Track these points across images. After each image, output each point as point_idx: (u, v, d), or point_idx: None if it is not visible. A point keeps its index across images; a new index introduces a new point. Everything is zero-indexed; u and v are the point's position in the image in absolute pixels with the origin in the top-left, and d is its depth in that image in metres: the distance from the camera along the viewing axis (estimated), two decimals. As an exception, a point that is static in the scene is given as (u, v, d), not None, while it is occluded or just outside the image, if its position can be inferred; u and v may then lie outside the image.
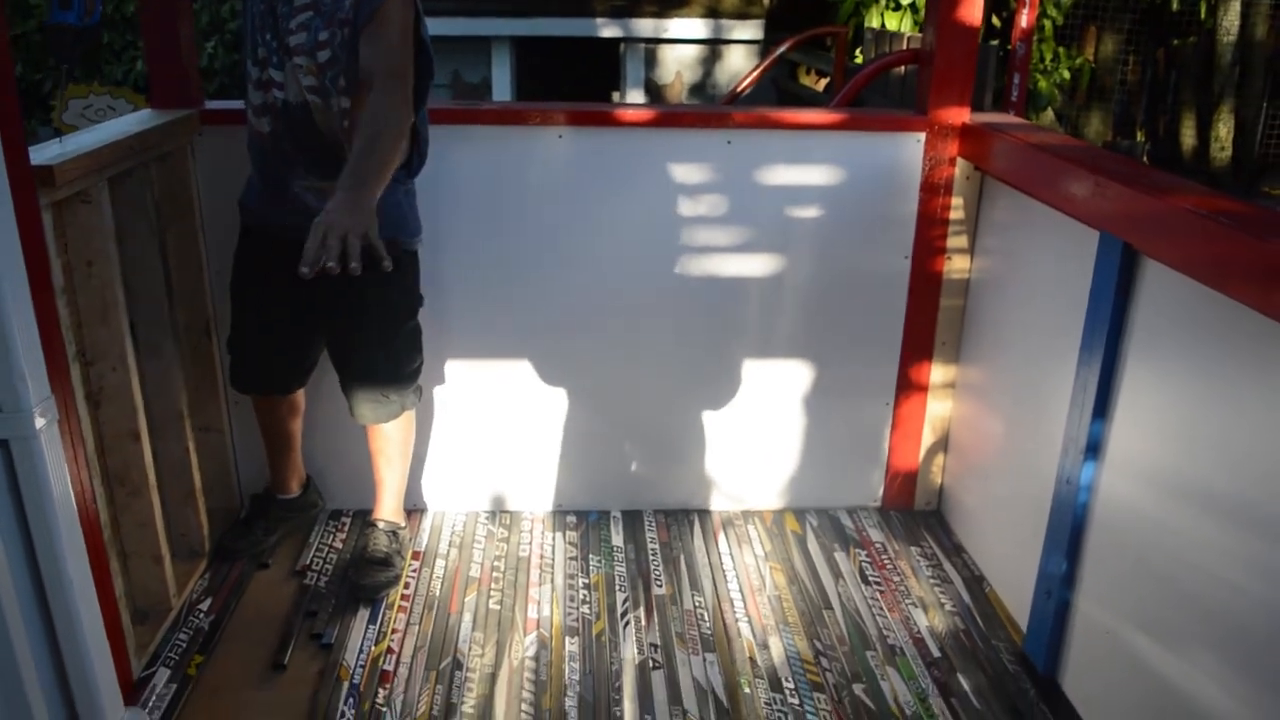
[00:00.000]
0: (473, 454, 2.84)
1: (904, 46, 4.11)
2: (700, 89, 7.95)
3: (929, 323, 2.73)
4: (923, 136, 2.59)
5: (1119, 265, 1.86)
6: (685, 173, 2.60)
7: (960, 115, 2.59)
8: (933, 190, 2.63)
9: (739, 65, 7.85)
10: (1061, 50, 6.41)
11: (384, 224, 2.17)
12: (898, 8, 5.47)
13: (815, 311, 2.73)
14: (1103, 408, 1.96)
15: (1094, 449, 1.99)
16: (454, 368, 2.75)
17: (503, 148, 2.55)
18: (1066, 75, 6.31)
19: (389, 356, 2.34)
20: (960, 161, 2.60)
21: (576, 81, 8.02)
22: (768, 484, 2.92)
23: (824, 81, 6.96)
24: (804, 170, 2.63)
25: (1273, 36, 8.11)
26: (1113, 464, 1.96)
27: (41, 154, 1.82)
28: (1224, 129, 7.81)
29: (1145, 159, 8.15)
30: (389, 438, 2.43)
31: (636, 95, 7.85)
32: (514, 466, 2.86)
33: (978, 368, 2.68)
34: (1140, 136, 8.56)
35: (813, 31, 5.46)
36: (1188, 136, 8.16)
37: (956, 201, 2.63)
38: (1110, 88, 7.20)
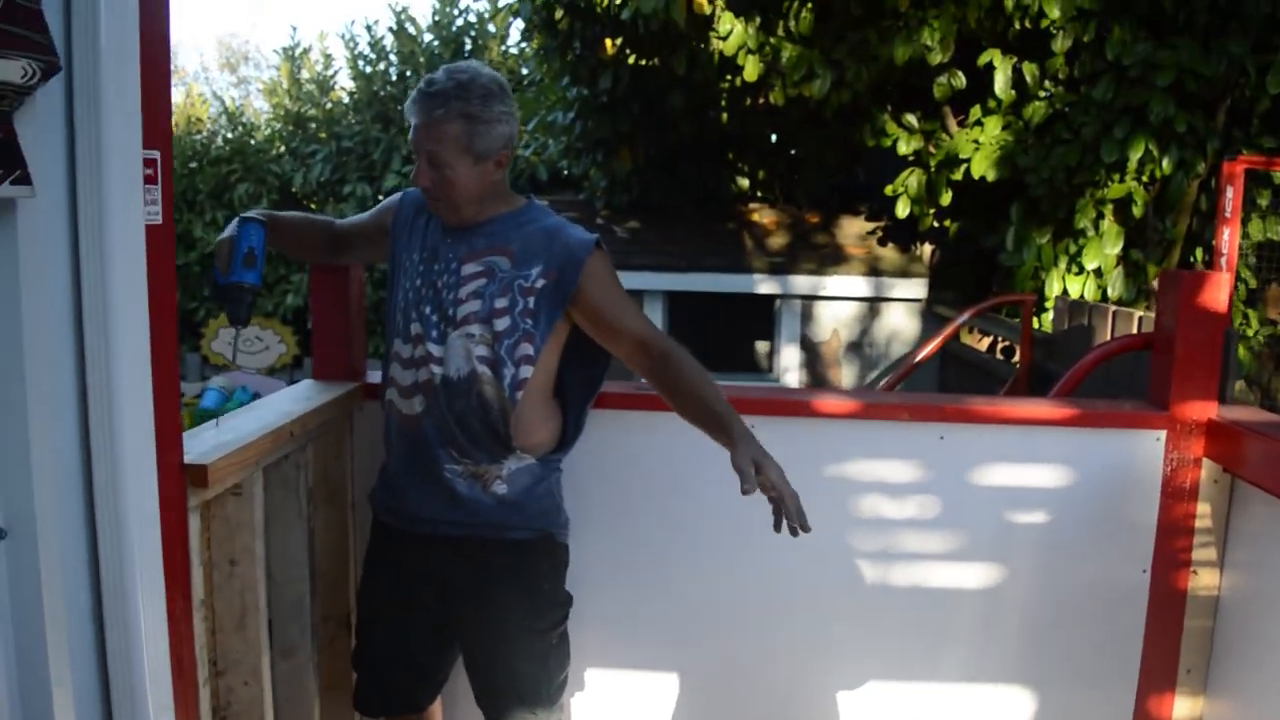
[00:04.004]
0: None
1: (1134, 328, 3.88)
2: (857, 347, 7.87)
3: (1172, 646, 2.44)
4: (1163, 434, 2.40)
5: None
6: (890, 470, 2.43)
7: (1206, 410, 2.38)
8: (1175, 495, 2.40)
9: (898, 323, 7.78)
10: (1251, 313, 6.09)
11: (534, 514, 2.07)
12: (1080, 271, 5.29)
13: (1038, 630, 2.49)
14: None
15: None
16: (603, 679, 2.53)
17: (679, 434, 2.38)
18: (1261, 340, 5.96)
19: (538, 667, 2.10)
20: (1206, 463, 2.39)
21: (729, 335, 8.05)
22: (980, 833, 2.56)
23: (986, 340, 6.76)
24: (1026, 470, 2.44)
25: None
26: None
27: (196, 445, 1.68)
28: None
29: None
30: None
31: (791, 351, 7.83)
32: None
33: (1231, 700, 2.37)
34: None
35: (998, 300, 5.30)
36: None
37: (1203, 509, 2.41)
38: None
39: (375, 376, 2.49)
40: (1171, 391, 2.39)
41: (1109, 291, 5.31)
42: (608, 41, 6.32)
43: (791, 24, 5.54)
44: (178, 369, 1.49)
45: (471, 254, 1.97)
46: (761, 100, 6.69)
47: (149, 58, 1.34)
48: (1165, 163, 5.00)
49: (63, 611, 1.25)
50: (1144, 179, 5.15)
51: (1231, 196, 4.79)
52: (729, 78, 6.52)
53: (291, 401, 2.16)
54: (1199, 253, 5.68)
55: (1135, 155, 4.93)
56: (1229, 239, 4.82)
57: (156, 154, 1.39)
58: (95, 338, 1.26)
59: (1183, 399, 2.38)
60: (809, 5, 5.55)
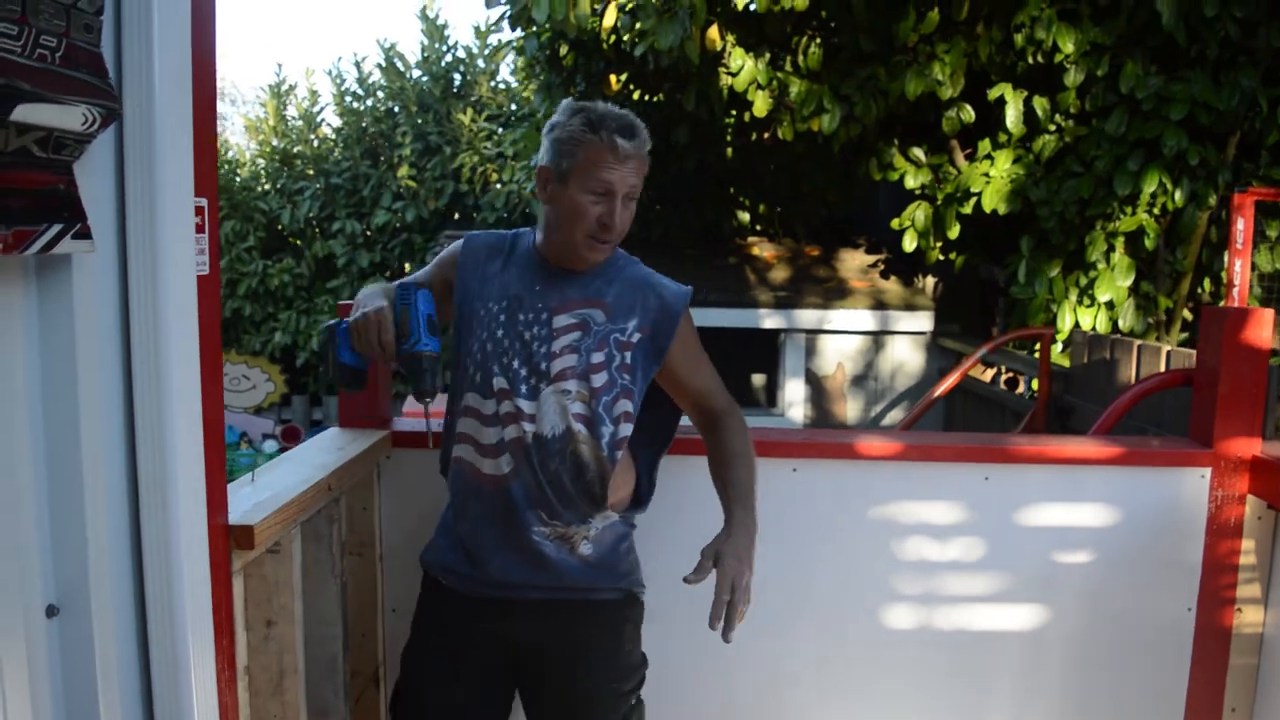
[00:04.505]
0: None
1: (1162, 363, 3.85)
2: (862, 380, 7.83)
3: (1216, 685, 2.43)
4: (1208, 472, 2.38)
5: None
6: (934, 511, 2.38)
7: (1251, 447, 2.37)
8: (1220, 532, 2.38)
9: (904, 356, 7.74)
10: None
11: (620, 573, 1.97)
12: (1091, 304, 5.26)
13: (1084, 670, 2.46)
14: None
15: None
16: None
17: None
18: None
19: None
20: (1251, 499, 2.37)
21: (733, 370, 7.98)
22: None
23: (990, 372, 6.72)
24: (1072, 510, 2.40)
25: None
26: None
27: (237, 504, 1.61)
28: None
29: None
30: None
31: (796, 386, 7.77)
32: None
33: None
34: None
35: (1017, 333, 5.27)
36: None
37: (1247, 545, 2.39)
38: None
39: (399, 424, 2.42)
40: (1216, 428, 2.37)
41: (1120, 323, 5.29)
42: (612, 77, 6.30)
43: (800, 59, 5.55)
44: (223, 427, 1.43)
45: (563, 305, 1.87)
46: (766, 135, 6.68)
47: (199, 98, 1.29)
48: (1178, 195, 4.99)
49: (116, 689, 1.19)
50: (1155, 211, 5.15)
51: (1242, 228, 4.79)
52: (733, 112, 6.51)
53: (323, 453, 2.09)
54: (1207, 283, 5.67)
55: (1149, 188, 4.92)
56: (1240, 270, 4.82)
57: (205, 201, 1.33)
58: (147, 405, 1.19)
59: (1227, 436, 2.37)
60: (818, 41, 5.56)
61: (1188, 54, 5.09)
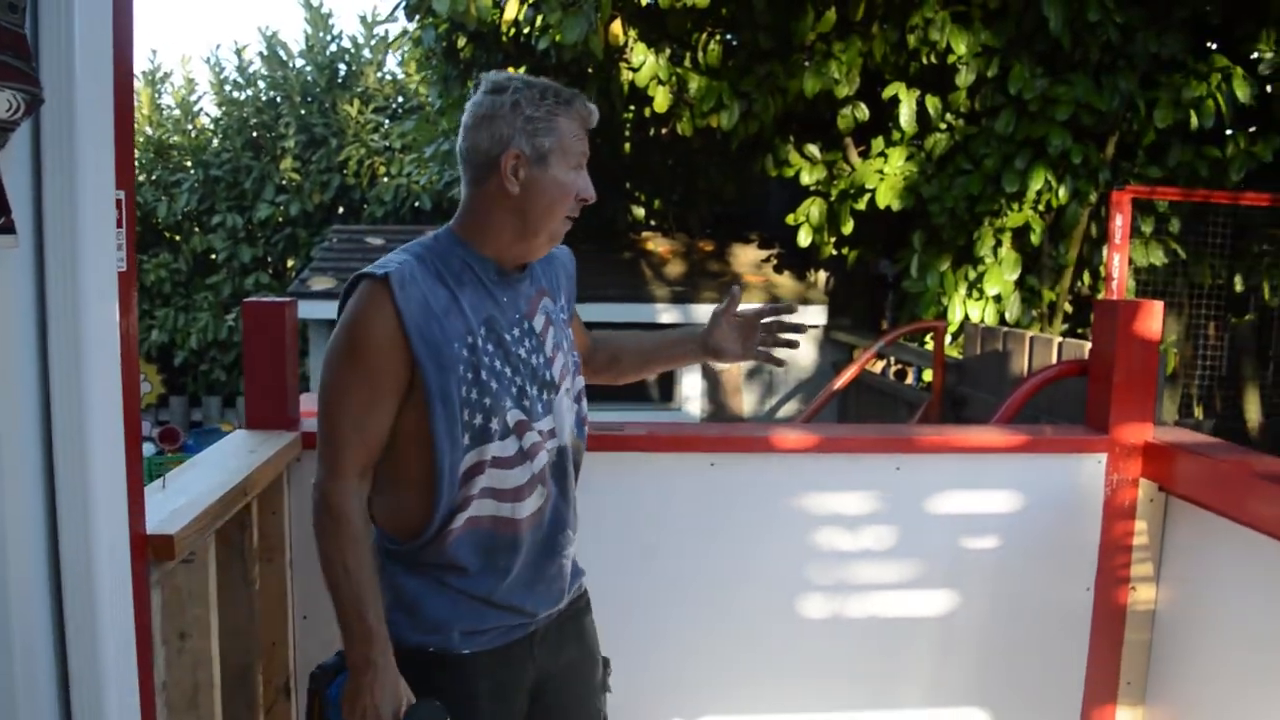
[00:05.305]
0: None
1: (1054, 354, 3.99)
2: (757, 373, 7.92)
3: (1113, 660, 2.51)
4: (1104, 457, 2.46)
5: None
6: (850, 502, 2.42)
7: (1143, 432, 2.46)
8: (1116, 515, 2.47)
9: (798, 350, 7.84)
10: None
11: (579, 566, 1.91)
12: (980, 297, 5.45)
13: (991, 650, 2.53)
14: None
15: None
16: None
17: (647, 475, 2.36)
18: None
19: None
20: (1143, 482, 2.47)
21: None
22: None
23: (881, 364, 6.88)
24: (978, 496, 2.47)
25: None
26: None
27: (152, 512, 1.52)
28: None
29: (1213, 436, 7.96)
30: None
31: (693, 380, 7.84)
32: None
33: (1167, 710, 2.47)
34: (1199, 414, 8.41)
35: (912, 326, 5.41)
36: (1252, 413, 8.05)
37: (1140, 526, 2.48)
38: (1178, 370, 7.14)
39: (308, 425, 2.32)
40: (1111, 415, 2.45)
41: (1006, 315, 5.49)
42: (510, 70, 6.25)
43: (701, 56, 5.60)
44: (140, 430, 1.36)
45: (529, 307, 1.74)
46: (665, 130, 6.71)
47: (119, 83, 1.22)
48: (1061, 192, 5.21)
49: (35, 712, 1.12)
50: (1040, 208, 5.35)
51: (1121, 224, 5.01)
52: (631, 108, 6.52)
53: (235, 456, 2.00)
54: (1086, 277, 5.92)
55: (1035, 185, 5.13)
56: (1119, 264, 5.04)
57: (123, 194, 1.26)
58: (66, 409, 1.11)
59: (1121, 422, 2.45)
60: (718, 38, 5.61)
61: (1071, 57, 5.31)
